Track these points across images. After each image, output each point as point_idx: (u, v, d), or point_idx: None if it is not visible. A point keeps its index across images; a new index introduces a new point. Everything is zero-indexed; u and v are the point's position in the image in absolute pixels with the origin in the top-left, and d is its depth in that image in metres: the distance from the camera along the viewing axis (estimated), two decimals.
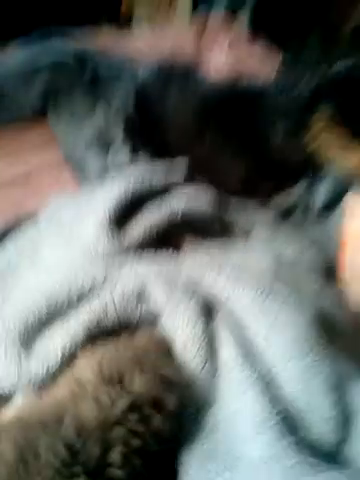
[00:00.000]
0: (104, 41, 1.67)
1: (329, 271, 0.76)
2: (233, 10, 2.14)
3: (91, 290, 0.58)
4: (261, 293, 0.54)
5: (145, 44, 1.71)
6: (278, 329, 0.50)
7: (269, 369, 0.49)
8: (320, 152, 0.93)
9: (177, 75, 1.25)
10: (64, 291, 0.57)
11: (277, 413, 0.46)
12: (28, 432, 0.40)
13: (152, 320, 0.56)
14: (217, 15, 2.08)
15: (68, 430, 0.39)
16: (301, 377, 0.47)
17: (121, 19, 2.06)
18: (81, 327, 0.53)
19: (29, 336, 0.54)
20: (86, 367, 0.46)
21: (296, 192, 0.98)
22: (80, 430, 0.39)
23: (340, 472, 0.42)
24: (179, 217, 0.70)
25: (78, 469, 0.38)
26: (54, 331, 0.54)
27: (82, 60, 1.49)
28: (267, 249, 0.71)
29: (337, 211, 0.97)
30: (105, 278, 0.60)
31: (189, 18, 2.14)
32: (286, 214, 0.96)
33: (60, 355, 0.51)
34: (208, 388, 0.49)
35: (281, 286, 0.57)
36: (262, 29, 2.16)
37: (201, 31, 1.85)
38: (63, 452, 0.38)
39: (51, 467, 0.37)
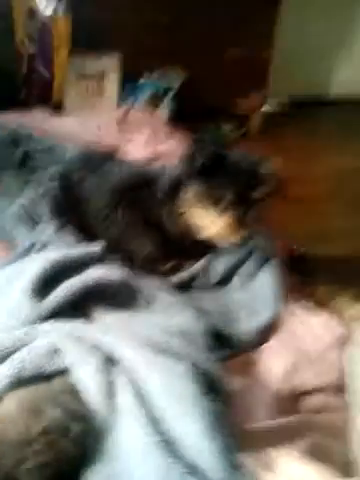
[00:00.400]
0: (36, 123, 1.83)
1: (216, 337, 0.94)
2: (155, 102, 2.40)
3: (14, 349, 0.71)
4: (145, 353, 0.69)
5: (73, 129, 1.89)
6: (160, 379, 0.65)
7: (153, 407, 0.63)
8: (191, 222, 1.09)
9: (97, 160, 1.37)
10: None
11: (161, 440, 0.59)
12: None
13: (65, 370, 0.69)
14: (140, 105, 2.33)
15: None
16: (175, 415, 0.62)
17: (52, 104, 2.22)
18: (6, 378, 0.65)
19: None
20: (11, 402, 0.59)
21: (195, 268, 1.14)
22: (1, 443, 0.52)
23: None
24: (92, 286, 0.84)
25: None
26: None
27: (14, 140, 1.63)
28: (162, 317, 0.87)
29: (230, 285, 1.15)
30: (25, 338, 0.72)
31: (115, 107, 2.34)
32: (185, 286, 1.13)
33: None
34: (107, 422, 0.62)
35: (164, 348, 0.72)
36: (180, 117, 2.43)
37: (124, 119, 2.06)
38: None
39: None
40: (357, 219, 2.02)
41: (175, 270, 1.15)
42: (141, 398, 0.64)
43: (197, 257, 1.15)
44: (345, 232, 1.90)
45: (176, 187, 1.10)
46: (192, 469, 0.57)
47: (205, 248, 1.14)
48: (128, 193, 1.18)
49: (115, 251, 1.07)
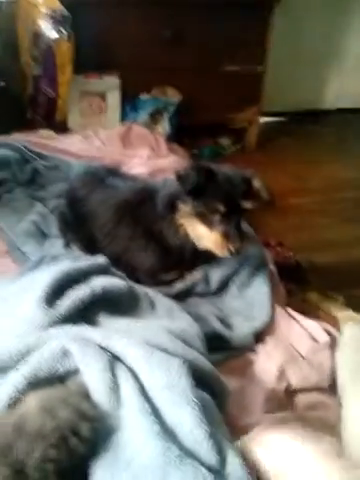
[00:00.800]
0: (42, 142, 1.91)
1: (214, 340, 1.02)
2: (155, 118, 2.49)
3: (27, 352, 0.79)
4: (146, 353, 0.77)
5: (77, 146, 1.97)
6: (157, 375, 0.73)
7: (153, 399, 0.71)
8: (189, 234, 1.17)
9: (101, 176, 1.44)
10: (6, 353, 0.78)
11: (160, 429, 0.67)
12: None
13: (75, 371, 0.76)
14: (141, 121, 2.41)
15: (9, 431, 0.60)
16: (172, 405, 0.69)
17: (57, 123, 2.30)
18: (24, 380, 0.73)
19: None
20: (31, 401, 0.67)
21: (193, 277, 1.22)
22: (19, 433, 0.60)
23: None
24: (98, 294, 0.92)
25: (8, 460, 0.58)
26: (1, 383, 0.74)
27: (24, 159, 1.71)
28: (163, 321, 0.95)
29: (226, 292, 1.23)
30: (38, 342, 0.80)
31: (117, 123, 2.42)
32: (184, 294, 1.20)
33: (6, 401, 0.71)
34: (113, 418, 0.69)
35: (162, 348, 0.80)
36: (179, 133, 2.51)
37: (126, 135, 2.14)
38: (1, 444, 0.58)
39: None
40: (349, 229, 2.09)
41: (176, 280, 1.22)
42: (142, 391, 0.71)
43: (196, 266, 1.23)
44: (337, 241, 1.98)
45: (174, 201, 1.17)
46: (187, 452, 0.65)
47: (203, 258, 1.21)
48: (131, 208, 1.25)
49: (119, 263, 1.14)
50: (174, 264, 1.23)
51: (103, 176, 1.44)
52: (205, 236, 1.14)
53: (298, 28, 3.20)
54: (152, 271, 1.23)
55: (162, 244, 1.21)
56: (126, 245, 1.24)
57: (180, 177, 1.12)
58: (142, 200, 1.25)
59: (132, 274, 1.15)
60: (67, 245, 1.31)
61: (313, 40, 3.30)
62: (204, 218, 1.13)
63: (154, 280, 1.21)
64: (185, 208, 1.15)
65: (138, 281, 1.14)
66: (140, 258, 1.23)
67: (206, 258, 1.21)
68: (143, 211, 1.24)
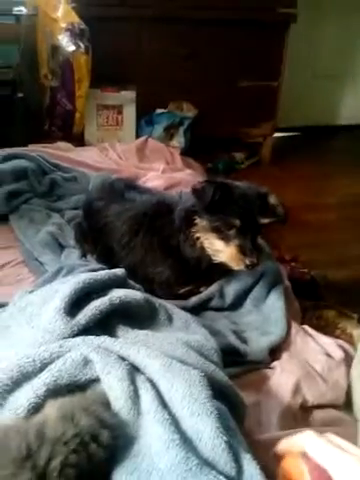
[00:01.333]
0: (60, 153, 1.94)
1: (231, 354, 1.03)
2: (170, 132, 2.51)
3: (51, 361, 0.79)
4: (165, 363, 0.77)
5: (94, 158, 1.99)
6: (177, 386, 0.73)
7: (172, 409, 0.71)
8: (206, 247, 1.18)
9: (118, 188, 1.46)
10: (31, 362, 0.78)
11: (179, 438, 0.67)
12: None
13: (96, 380, 0.77)
14: (157, 135, 2.44)
15: (31, 436, 0.61)
16: (191, 415, 0.70)
17: (74, 135, 2.34)
18: (44, 386, 0.74)
19: (2, 395, 0.74)
20: (51, 408, 0.67)
21: (209, 291, 1.23)
22: (40, 438, 0.60)
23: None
24: (117, 305, 0.93)
25: (29, 464, 0.58)
26: (23, 390, 0.75)
27: (42, 170, 1.73)
28: (181, 333, 0.95)
29: (242, 307, 1.24)
30: (60, 351, 0.81)
31: (133, 137, 2.45)
32: (201, 308, 1.21)
33: (26, 408, 0.71)
34: (132, 426, 0.70)
35: (181, 360, 0.81)
36: (194, 147, 2.54)
37: (142, 149, 2.16)
38: (23, 449, 0.59)
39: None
40: None
41: (192, 294, 1.23)
42: (162, 401, 0.72)
43: (212, 280, 1.24)
44: (353, 258, 1.98)
45: (191, 215, 1.19)
46: (206, 462, 0.65)
47: (219, 272, 1.22)
48: (148, 220, 1.27)
49: (135, 275, 1.15)
50: (190, 277, 1.24)
51: (120, 188, 1.46)
52: (221, 250, 1.15)
53: (314, 44, 3.23)
54: (168, 284, 1.24)
55: (178, 257, 1.22)
56: (142, 257, 1.25)
57: (196, 192, 1.14)
58: (159, 213, 1.27)
59: (148, 286, 1.16)
60: (83, 256, 1.32)
61: (329, 56, 3.33)
62: (220, 233, 1.14)
63: (170, 293, 1.22)
64: (201, 223, 1.16)
65: (154, 294, 1.15)
66: (156, 271, 1.24)
67: (222, 272, 1.21)
68: (160, 224, 1.25)
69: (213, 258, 1.18)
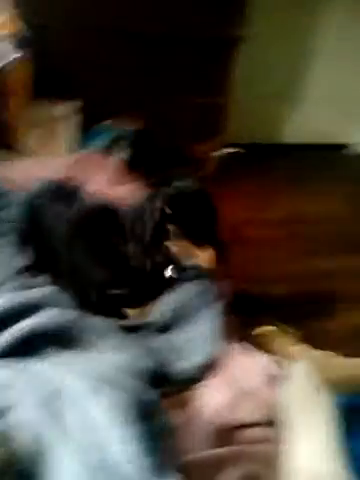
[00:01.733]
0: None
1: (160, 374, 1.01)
2: (113, 146, 2.48)
3: None
4: (89, 386, 0.75)
5: (33, 171, 1.93)
6: (104, 406, 0.71)
7: (97, 431, 0.69)
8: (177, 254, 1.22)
9: (59, 193, 1.45)
10: None
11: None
12: None
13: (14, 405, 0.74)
14: (99, 149, 2.41)
15: None
16: (116, 439, 0.68)
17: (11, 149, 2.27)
18: None
19: None
20: None
21: (148, 310, 1.22)
22: None
23: None
24: (46, 327, 0.90)
25: None
26: None
27: None
28: (110, 354, 0.93)
29: (174, 326, 1.22)
30: None
31: (75, 151, 2.40)
32: (133, 328, 1.19)
33: None
34: (46, 454, 0.67)
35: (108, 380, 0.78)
36: (136, 162, 2.52)
37: (84, 163, 2.12)
38: None
39: None
40: (307, 262, 2.12)
41: (125, 298, 1.24)
42: (85, 424, 0.70)
43: (150, 294, 1.25)
44: (291, 274, 2.00)
45: (161, 226, 1.23)
46: None
47: (158, 285, 1.24)
48: (88, 222, 1.29)
49: (75, 276, 1.16)
50: (130, 281, 1.25)
51: (62, 192, 1.46)
52: (197, 254, 1.22)
53: (262, 62, 3.29)
54: (105, 284, 1.23)
55: (119, 260, 1.23)
56: (82, 258, 1.25)
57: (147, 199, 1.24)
58: (100, 215, 1.31)
59: (84, 291, 1.16)
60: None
61: (275, 76, 3.40)
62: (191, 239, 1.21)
63: (106, 294, 1.22)
64: (175, 231, 1.22)
65: (90, 297, 1.16)
66: (95, 271, 1.23)
67: (161, 286, 1.23)
68: (101, 226, 1.28)
69: (183, 263, 1.23)
